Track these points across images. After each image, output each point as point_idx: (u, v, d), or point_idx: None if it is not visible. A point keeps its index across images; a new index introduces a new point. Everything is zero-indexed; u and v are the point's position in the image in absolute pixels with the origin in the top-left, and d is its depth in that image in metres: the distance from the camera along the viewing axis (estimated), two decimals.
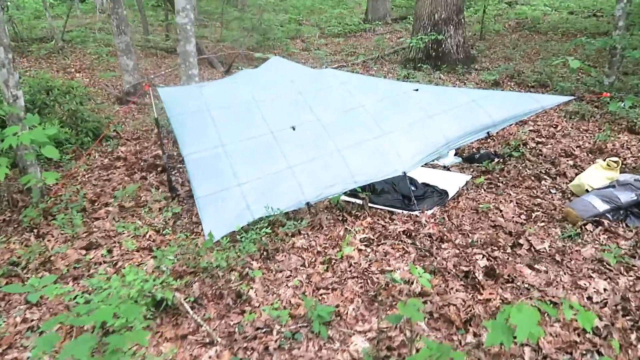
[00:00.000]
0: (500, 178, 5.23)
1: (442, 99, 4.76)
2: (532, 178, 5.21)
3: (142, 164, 5.67)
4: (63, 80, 6.70)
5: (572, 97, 4.80)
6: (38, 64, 12.20)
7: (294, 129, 4.54)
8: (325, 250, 3.91)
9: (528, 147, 6.08)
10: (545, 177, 5.21)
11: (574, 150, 5.93)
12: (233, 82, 5.07)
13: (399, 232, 4.13)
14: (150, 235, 4.13)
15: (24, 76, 6.76)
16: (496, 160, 5.72)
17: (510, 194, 4.86)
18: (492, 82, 8.88)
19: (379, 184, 4.82)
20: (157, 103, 4.92)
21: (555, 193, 4.87)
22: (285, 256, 3.84)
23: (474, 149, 6.18)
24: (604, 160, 4.81)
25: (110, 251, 3.93)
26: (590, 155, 5.79)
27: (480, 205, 4.54)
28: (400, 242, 3.99)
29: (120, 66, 8.54)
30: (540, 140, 6.34)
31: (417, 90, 4.89)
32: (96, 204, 4.71)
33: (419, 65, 9.77)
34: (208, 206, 3.97)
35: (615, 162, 4.66)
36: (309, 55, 12.49)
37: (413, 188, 4.64)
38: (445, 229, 4.22)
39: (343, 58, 12.54)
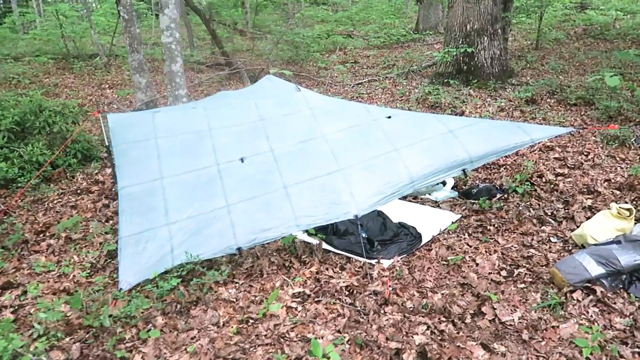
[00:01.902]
0: (493, 220, 4.44)
1: (416, 129, 4.09)
2: (534, 221, 4.38)
3: (114, 189, 5.45)
4: (58, 101, 6.69)
5: (572, 129, 3.94)
6: (81, 78, 12.67)
7: (242, 160, 4.08)
8: (249, 307, 3.40)
9: (543, 180, 5.20)
10: (550, 220, 4.36)
11: (599, 186, 4.97)
12: (192, 107, 4.71)
13: (341, 287, 3.52)
14: (74, 276, 3.82)
15: (17, 96, 6.81)
16: (498, 196, 4.91)
17: (498, 242, 4.08)
18: (525, 100, 7.90)
19: (343, 223, 4.24)
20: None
21: (555, 242, 4.02)
22: (202, 310, 3.37)
23: (478, 181, 5.39)
24: (622, 204, 3.90)
25: (25, 293, 3.66)
26: (618, 192, 4.82)
27: (450, 257, 3.81)
28: (337, 301, 3.39)
29: (134, 84, 8.50)
30: (561, 171, 5.42)
31: (389, 117, 4.26)
32: (42, 235, 4.50)
33: (446, 80, 8.95)
34: (129, 248, 3.60)
35: (627, 209, 3.74)
36: (343, 70, 11.93)
37: (363, 235, 4.00)
38: (400, 285, 3.56)
39: (378, 72, 11.92)
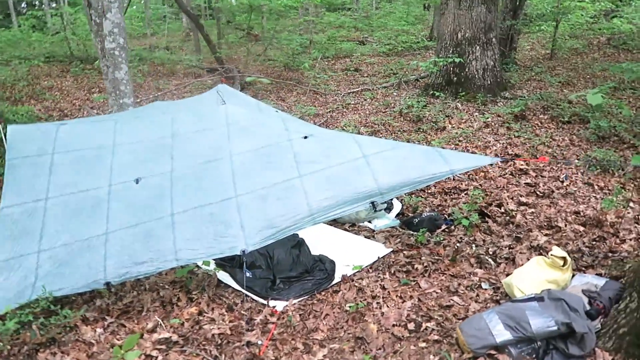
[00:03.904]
0: (425, 257, 3.88)
1: (328, 152, 3.59)
2: (471, 261, 3.81)
3: None
4: (11, 107, 6.50)
5: (497, 159, 3.35)
6: (79, 82, 12.64)
7: (137, 182, 3.67)
8: (103, 352, 2.98)
9: (502, 210, 4.60)
10: (489, 261, 3.78)
11: (561, 221, 4.34)
12: (104, 120, 4.36)
13: (213, 334, 3.06)
14: None
15: None
16: (443, 227, 4.35)
17: (420, 285, 3.53)
18: (515, 115, 7.23)
19: (251, 254, 3.78)
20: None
21: (486, 290, 3.45)
22: (51, 354, 2.97)
23: (429, 208, 4.81)
24: (555, 252, 3.29)
25: None
26: (581, 229, 4.18)
27: (350, 304, 3.29)
28: (202, 352, 2.93)
29: (107, 89, 8.27)
30: (527, 200, 4.79)
31: (306, 137, 3.77)
32: None
33: (431, 92, 8.36)
34: None
35: (561, 258, 3.13)
36: (325, 78, 11.38)
37: (248, 275, 3.53)
38: (286, 334, 3.07)
39: (377, 80, 11.36)
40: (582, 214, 4.47)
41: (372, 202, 3.27)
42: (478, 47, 8.11)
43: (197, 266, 3.81)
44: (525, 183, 5.23)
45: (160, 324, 3.19)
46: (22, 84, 11.70)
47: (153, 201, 3.53)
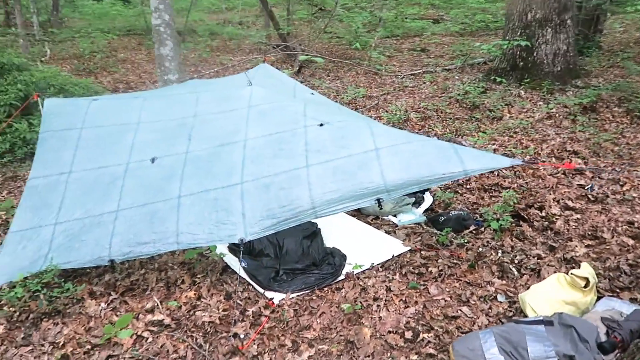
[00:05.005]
0: (443, 259, 3.61)
1: (340, 142, 3.38)
2: (493, 268, 3.49)
3: None
4: (71, 78, 6.84)
5: (519, 162, 2.95)
6: (148, 53, 13.14)
7: (153, 161, 3.70)
8: (99, 327, 3.06)
9: (543, 213, 4.18)
10: (512, 271, 3.44)
11: (611, 230, 3.87)
12: (135, 97, 4.41)
13: (204, 322, 3.04)
14: None
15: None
16: (471, 228, 4.02)
17: (429, 291, 3.29)
18: (584, 106, 6.54)
19: (260, 241, 3.74)
20: None
21: (501, 302, 3.15)
22: (53, 324, 3.10)
23: (462, 205, 4.48)
24: (576, 270, 2.91)
25: None
26: (630, 242, 3.70)
27: (347, 305, 3.12)
28: (188, 339, 2.92)
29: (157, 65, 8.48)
30: (574, 204, 4.32)
31: (322, 124, 3.58)
32: None
33: (493, 77, 7.76)
34: (12, 244, 3.42)
35: (583, 278, 2.76)
36: (383, 59, 10.90)
37: (243, 265, 3.44)
38: (277, 330, 2.98)
39: (443, 62, 10.76)
40: (636, 224, 3.96)
41: (378, 200, 3.06)
42: (549, 30, 7.38)
43: (209, 249, 3.81)
44: (578, 184, 4.72)
45: (157, 306, 3.22)
46: (99, 56, 12.37)
47: (163, 182, 3.54)
